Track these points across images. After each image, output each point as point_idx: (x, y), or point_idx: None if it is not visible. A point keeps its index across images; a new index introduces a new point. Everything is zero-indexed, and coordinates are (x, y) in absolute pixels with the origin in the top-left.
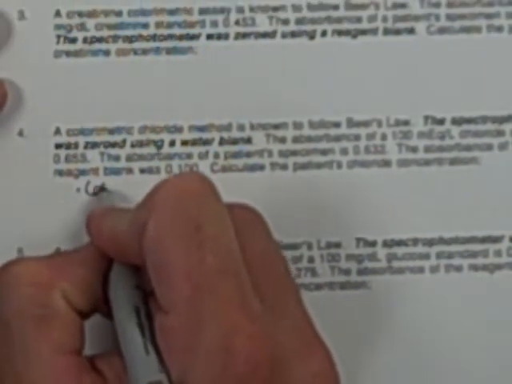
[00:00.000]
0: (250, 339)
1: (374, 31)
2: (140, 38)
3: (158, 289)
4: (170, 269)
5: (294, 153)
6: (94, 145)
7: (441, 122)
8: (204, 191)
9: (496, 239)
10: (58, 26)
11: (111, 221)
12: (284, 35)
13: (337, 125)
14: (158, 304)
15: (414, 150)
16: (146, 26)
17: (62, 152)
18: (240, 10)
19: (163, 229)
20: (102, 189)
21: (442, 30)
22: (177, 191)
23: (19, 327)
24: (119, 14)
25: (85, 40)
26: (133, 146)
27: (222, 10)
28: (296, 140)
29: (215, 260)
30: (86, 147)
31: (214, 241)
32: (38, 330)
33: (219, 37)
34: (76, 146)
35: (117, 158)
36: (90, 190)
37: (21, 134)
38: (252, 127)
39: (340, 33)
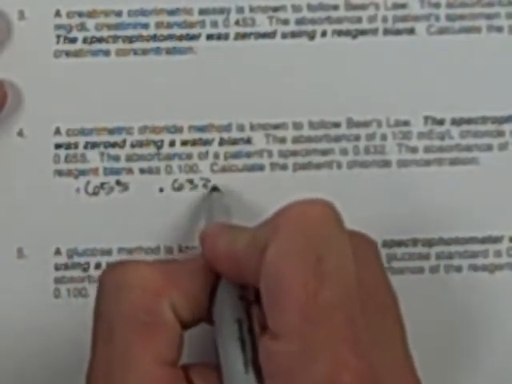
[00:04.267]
0: (357, 376)
1: (374, 31)
2: (140, 38)
3: (270, 313)
4: (286, 295)
5: (294, 153)
6: (94, 145)
7: (441, 122)
8: (329, 220)
9: (496, 239)
10: (58, 26)
11: (228, 238)
12: (284, 35)
13: (337, 125)
14: (265, 325)
15: (414, 150)
16: (146, 26)
17: (62, 152)
18: (240, 10)
19: (284, 254)
20: (214, 189)
21: (442, 30)
22: (301, 217)
23: (124, 331)
24: (119, 14)
25: (85, 40)
26: (133, 146)
27: (221, 11)
28: (296, 140)
29: (332, 294)
30: (85, 147)
31: (333, 274)
32: (142, 337)
33: (219, 37)
34: (76, 146)
35: (117, 158)
36: (90, 190)
37: (21, 134)
38: (252, 127)
39: (340, 33)
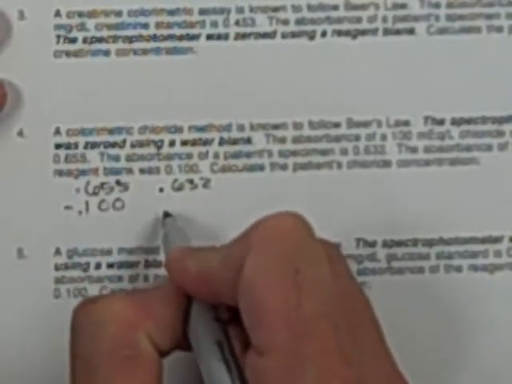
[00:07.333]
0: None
1: (374, 31)
2: (140, 38)
3: (253, 330)
4: (267, 311)
5: (294, 153)
6: (94, 145)
7: (441, 122)
8: (301, 231)
9: (496, 239)
10: (57, 26)
11: (198, 260)
12: (284, 35)
13: (337, 125)
14: (246, 342)
15: (414, 150)
16: (146, 26)
17: (62, 152)
18: (240, 10)
19: (261, 270)
20: (166, 215)
21: (442, 31)
22: (274, 231)
23: (106, 367)
24: (119, 14)
25: (85, 40)
26: (133, 146)
27: (221, 11)
28: (296, 140)
29: (313, 305)
30: (85, 147)
31: (312, 285)
32: (125, 372)
33: (219, 37)
34: (76, 146)
35: (117, 158)
36: (90, 190)
37: (21, 134)
38: (252, 127)
39: (340, 33)
